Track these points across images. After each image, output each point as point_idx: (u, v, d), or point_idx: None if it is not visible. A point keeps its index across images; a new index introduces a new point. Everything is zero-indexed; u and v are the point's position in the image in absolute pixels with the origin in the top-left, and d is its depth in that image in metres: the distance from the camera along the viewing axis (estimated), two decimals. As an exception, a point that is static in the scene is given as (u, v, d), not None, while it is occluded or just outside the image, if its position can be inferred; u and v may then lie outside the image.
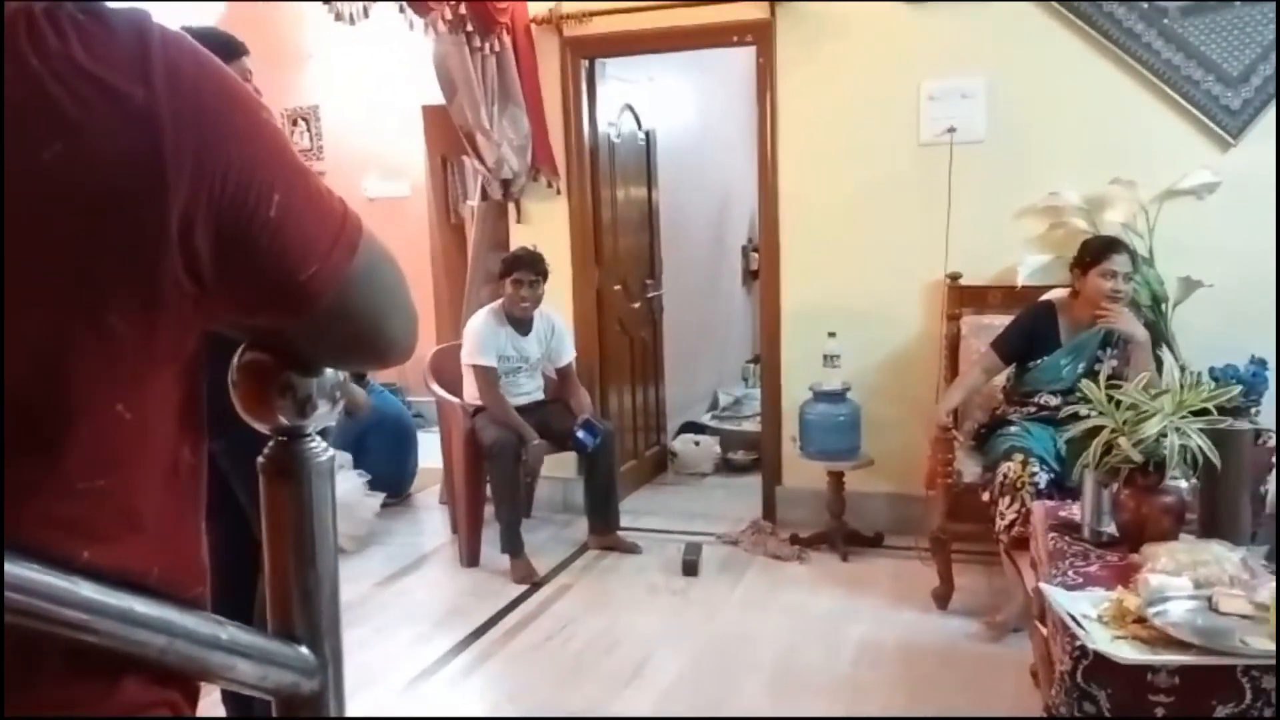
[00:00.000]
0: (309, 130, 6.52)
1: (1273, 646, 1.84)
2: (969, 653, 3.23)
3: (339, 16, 3.51)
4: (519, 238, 4.56)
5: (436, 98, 4.39)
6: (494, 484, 4.08)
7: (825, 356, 4.09)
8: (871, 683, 3.05)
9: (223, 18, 4.29)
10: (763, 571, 4.00)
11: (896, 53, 4.09)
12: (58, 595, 0.62)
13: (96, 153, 0.62)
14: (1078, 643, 1.90)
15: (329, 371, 0.85)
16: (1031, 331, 3.50)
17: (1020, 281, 3.84)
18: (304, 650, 0.84)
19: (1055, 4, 3.88)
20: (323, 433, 0.87)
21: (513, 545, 4.01)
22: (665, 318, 5.52)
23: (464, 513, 4.17)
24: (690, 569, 3.97)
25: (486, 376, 4.10)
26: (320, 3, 3.48)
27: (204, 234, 0.66)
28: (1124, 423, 2.36)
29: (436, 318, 5.56)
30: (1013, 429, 3.39)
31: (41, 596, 0.62)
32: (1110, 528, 2.49)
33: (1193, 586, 2.05)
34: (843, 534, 4.10)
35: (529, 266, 4.10)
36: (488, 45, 4.15)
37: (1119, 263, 3.32)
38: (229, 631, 0.75)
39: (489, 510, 4.13)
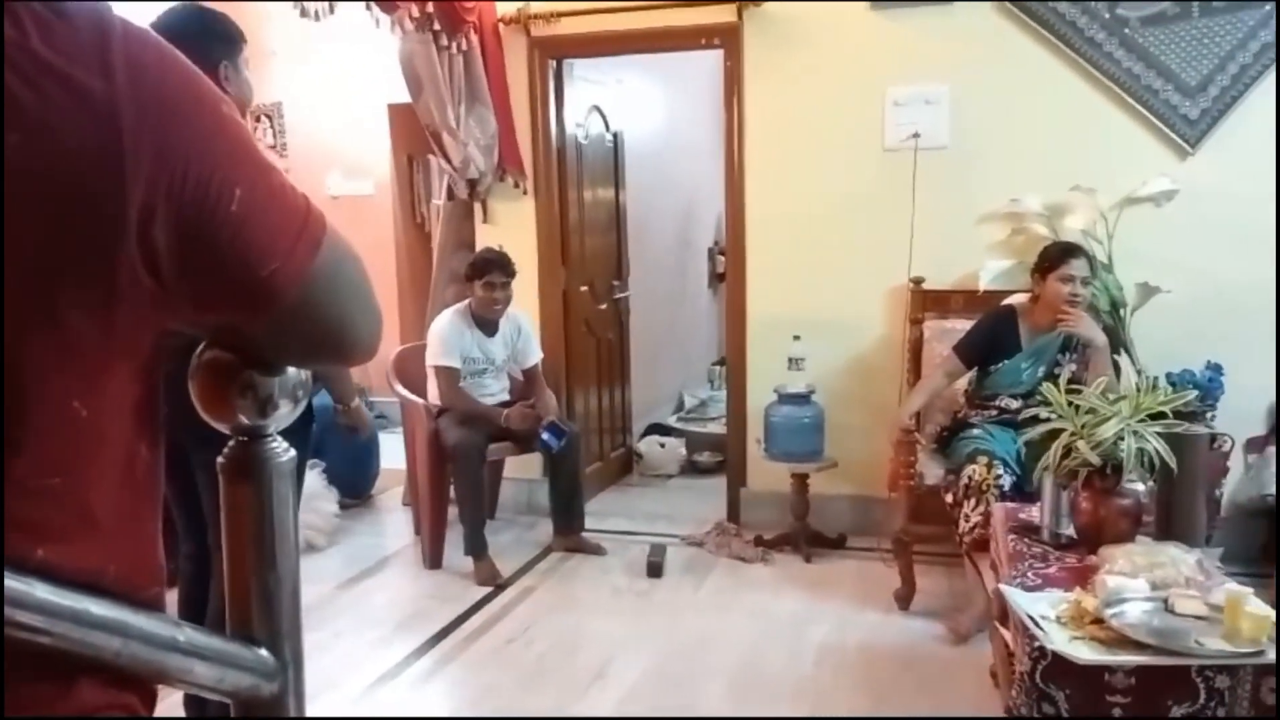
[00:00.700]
0: (272, 127, 6.44)
1: (1226, 647, 1.88)
2: (930, 654, 3.26)
3: (304, 13, 3.47)
4: (485, 238, 4.53)
5: (403, 96, 4.36)
6: (458, 486, 4.05)
7: (790, 359, 4.11)
8: (834, 685, 3.07)
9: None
10: (727, 573, 4.01)
11: (862, 58, 4.12)
12: (12, 597, 0.61)
13: (54, 144, 0.61)
14: (1036, 643, 1.92)
15: (291, 370, 0.84)
16: (993, 336, 3.53)
17: (982, 286, 3.87)
18: (264, 653, 0.83)
19: (1017, 11, 3.92)
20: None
21: (476, 547, 3.98)
22: (632, 319, 5.51)
23: (427, 514, 4.14)
24: (655, 570, 3.97)
25: (449, 377, 4.08)
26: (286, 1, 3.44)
27: (164, 229, 0.65)
28: (1083, 426, 2.39)
29: (400, 317, 5.51)
30: (975, 432, 3.42)
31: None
32: (1069, 530, 2.53)
33: (1149, 588, 2.08)
34: (806, 535, 4.12)
35: (501, 269, 4.07)
36: (455, 44, 4.12)
37: (1078, 268, 3.37)
38: (186, 633, 0.74)
39: (453, 512, 4.10)
